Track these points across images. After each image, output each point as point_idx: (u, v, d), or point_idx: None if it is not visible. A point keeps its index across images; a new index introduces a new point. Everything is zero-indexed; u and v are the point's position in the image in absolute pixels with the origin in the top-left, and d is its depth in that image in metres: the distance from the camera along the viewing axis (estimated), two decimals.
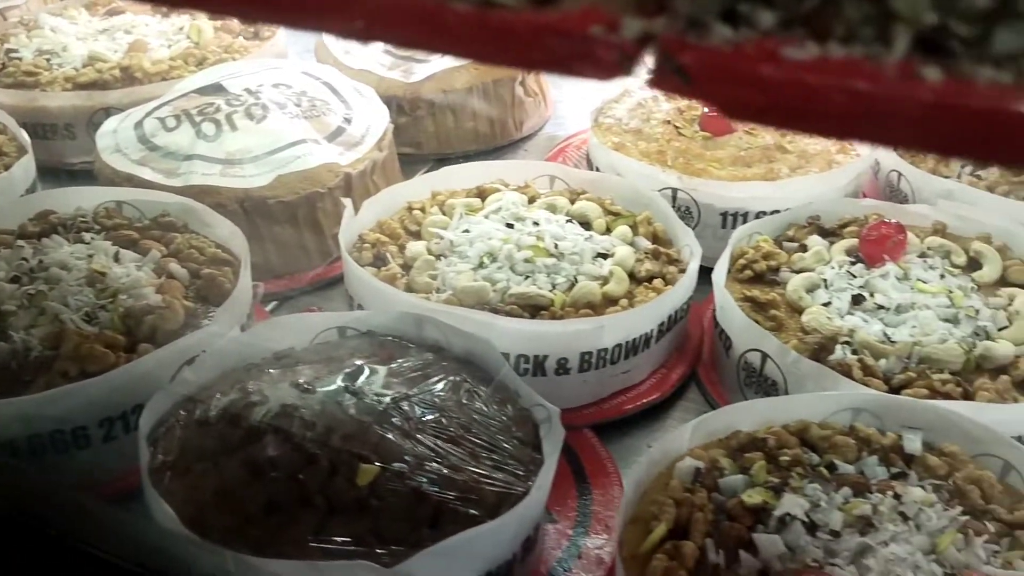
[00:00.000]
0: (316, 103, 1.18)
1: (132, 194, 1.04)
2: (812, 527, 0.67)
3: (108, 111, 1.27)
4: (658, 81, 0.33)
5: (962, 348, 0.84)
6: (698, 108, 1.23)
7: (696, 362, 0.98)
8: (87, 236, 0.96)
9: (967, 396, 0.80)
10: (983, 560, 0.65)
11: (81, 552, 0.66)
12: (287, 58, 1.48)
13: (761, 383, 0.87)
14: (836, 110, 0.30)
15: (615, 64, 0.33)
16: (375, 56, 1.34)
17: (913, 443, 0.74)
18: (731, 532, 0.66)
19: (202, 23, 1.48)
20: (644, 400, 0.92)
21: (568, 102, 1.47)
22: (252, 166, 1.06)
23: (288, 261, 1.08)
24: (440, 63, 1.30)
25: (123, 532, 0.68)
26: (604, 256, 0.97)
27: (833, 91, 0.29)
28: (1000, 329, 0.88)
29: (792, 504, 0.67)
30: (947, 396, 0.79)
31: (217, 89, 1.20)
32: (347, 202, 1.00)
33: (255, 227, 1.05)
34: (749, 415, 0.78)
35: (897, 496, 0.69)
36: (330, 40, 1.38)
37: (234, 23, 1.49)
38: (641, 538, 0.67)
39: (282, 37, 1.48)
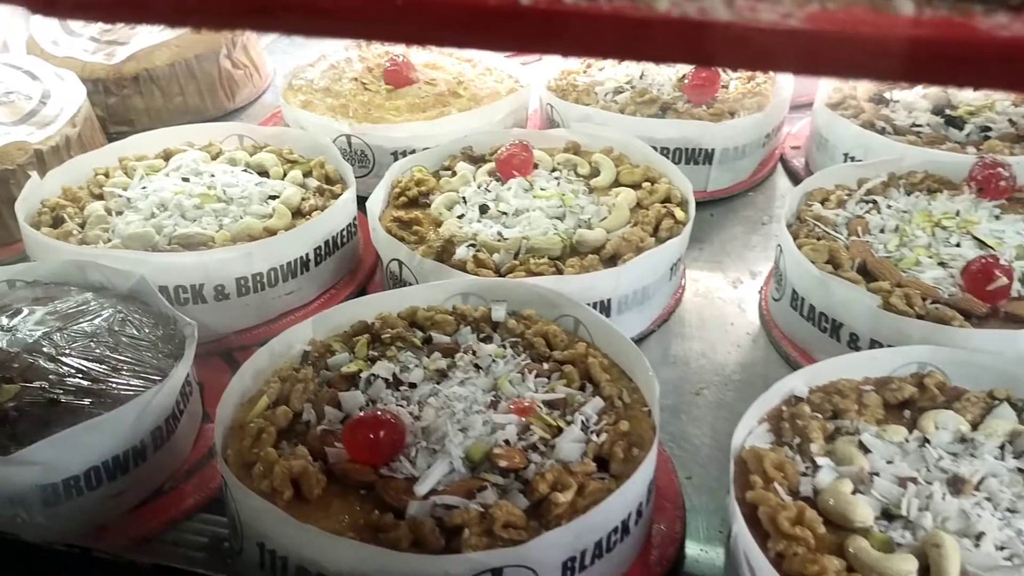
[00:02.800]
0: (12, 91, 1.24)
1: None
2: (398, 384, 0.81)
3: None
4: None
5: (561, 237, 1.00)
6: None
7: (368, 282, 1.11)
8: None
9: (559, 273, 0.96)
10: (532, 390, 0.80)
11: None
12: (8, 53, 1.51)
13: (402, 286, 1.00)
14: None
15: None
16: (80, 44, 1.41)
17: (498, 312, 0.89)
18: (325, 395, 0.79)
19: None
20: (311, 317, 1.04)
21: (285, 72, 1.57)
22: None
23: None
24: (140, 43, 1.38)
25: None
26: (276, 198, 1.09)
27: None
28: (602, 220, 1.05)
29: (381, 368, 0.81)
30: (540, 274, 0.95)
31: None
32: (34, 174, 1.08)
33: None
34: (371, 308, 0.91)
35: (474, 352, 0.84)
36: (38, 33, 1.44)
37: None
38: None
39: None
